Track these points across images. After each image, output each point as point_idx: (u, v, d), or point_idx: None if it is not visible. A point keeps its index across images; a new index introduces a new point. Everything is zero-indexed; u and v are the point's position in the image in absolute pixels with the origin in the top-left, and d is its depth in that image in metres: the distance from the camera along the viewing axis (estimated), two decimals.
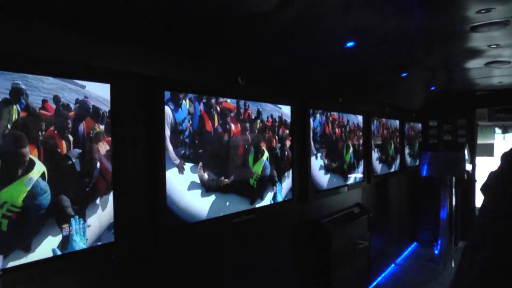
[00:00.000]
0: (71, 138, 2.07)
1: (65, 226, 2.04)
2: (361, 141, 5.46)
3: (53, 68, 1.99)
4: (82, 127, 2.12)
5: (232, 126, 3.17)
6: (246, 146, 3.32)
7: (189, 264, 2.89)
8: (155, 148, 2.55)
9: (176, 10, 2.11)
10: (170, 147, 2.63)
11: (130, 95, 2.43)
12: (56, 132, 2.00)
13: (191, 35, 2.52)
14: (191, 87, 2.82)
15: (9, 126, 1.80)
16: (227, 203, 3.12)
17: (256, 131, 3.45)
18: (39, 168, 1.92)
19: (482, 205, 1.33)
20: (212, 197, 2.98)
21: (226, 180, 3.10)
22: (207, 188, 2.93)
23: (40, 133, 1.93)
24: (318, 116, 4.39)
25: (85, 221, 2.14)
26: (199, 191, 2.87)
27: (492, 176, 1.31)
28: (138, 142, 2.49)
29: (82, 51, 2.15)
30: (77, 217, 2.10)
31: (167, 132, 2.61)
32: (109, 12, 2.00)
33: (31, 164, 1.89)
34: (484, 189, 1.33)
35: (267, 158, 3.57)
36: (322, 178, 4.49)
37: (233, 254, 3.30)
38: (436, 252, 6.88)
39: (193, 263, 2.92)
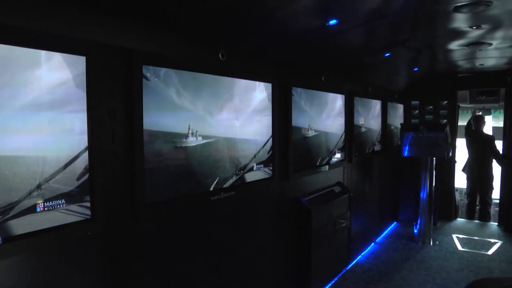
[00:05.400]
0: None
1: None
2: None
3: (23, 37, 1.92)
4: None
5: None
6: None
7: (168, 242, 2.88)
8: (134, 122, 2.50)
9: None
10: None
11: (107, 67, 2.37)
12: None
13: (171, 8, 2.47)
14: (169, 61, 2.76)
15: None
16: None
17: None
18: None
19: None
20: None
21: None
22: None
23: None
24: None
25: None
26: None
27: None
28: (116, 116, 2.44)
29: (55, 20, 2.07)
30: None
31: None
32: None
33: None
34: None
35: None
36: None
37: (213, 232, 3.31)
38: (415, 231, 7.00)
39: (172, 241, 2.92)
